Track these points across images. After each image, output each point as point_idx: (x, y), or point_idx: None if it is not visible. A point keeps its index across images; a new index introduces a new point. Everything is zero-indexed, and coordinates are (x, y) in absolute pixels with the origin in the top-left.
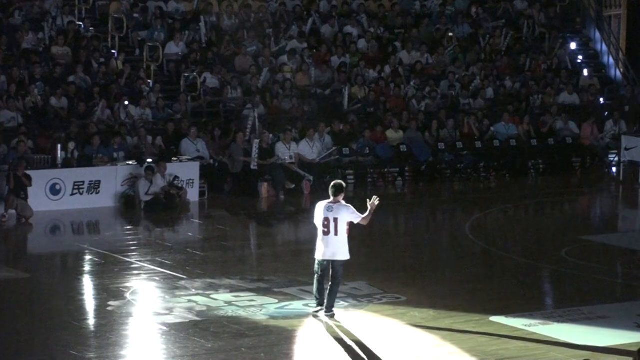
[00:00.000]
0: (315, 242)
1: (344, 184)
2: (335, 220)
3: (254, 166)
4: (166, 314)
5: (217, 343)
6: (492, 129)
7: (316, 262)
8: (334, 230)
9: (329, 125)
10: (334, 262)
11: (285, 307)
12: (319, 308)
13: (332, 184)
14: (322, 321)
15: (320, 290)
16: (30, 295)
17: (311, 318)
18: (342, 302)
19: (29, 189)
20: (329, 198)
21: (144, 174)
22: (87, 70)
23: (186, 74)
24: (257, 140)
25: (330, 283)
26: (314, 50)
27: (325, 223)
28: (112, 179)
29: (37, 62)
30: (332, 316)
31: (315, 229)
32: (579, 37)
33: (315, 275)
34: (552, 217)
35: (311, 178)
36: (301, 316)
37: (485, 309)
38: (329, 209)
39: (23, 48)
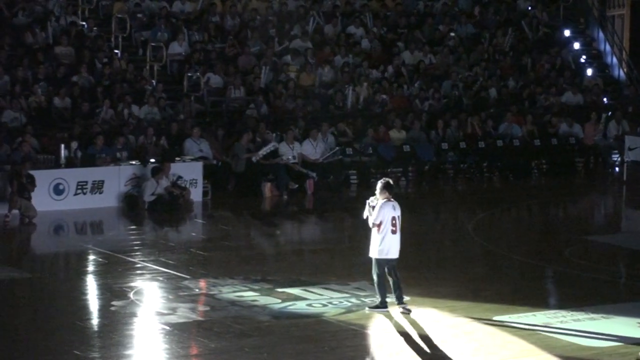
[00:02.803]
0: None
1: None
2: (399, 218)
3: (255, 159)
4: (169, 314)
5: (220, 343)
6: (499, 130)
7: (383, 260)
8: (399, 228)
9: (332, 125)
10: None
11: (289, 307)
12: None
13: (388, 182)
14: (329, 321)
15: (388, 288)
16: (34, 295)
17: (314, 318)
18: (345, 302)
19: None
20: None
21: (150, 176)
22: (90, 70)
23: (189, 74)
24: (274, 144)
25: (395, 279)
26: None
27: (394, 222)
28: (115, 178)
29: (40, 61)
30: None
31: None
32: (583, 37)
33: (379, 276)
34: (556, 217)
35: (314, 175)
36: (304, 316)
37: (489, 309)
38: (394, 207)
39: (26, 48)
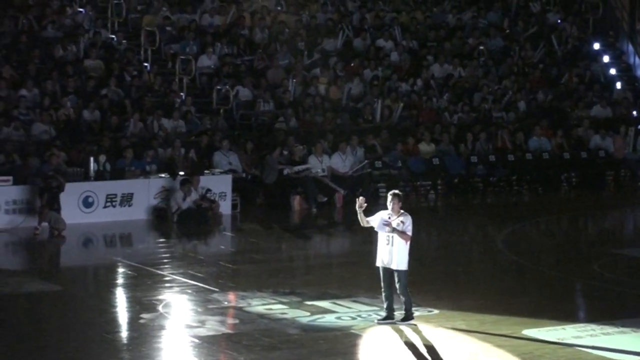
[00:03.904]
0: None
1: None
2: None
3: (286, 172)
4: (198, 327)
5: (249, 356)
6: (529, 145)
7: (408, 272)
8: None
9: (361, 138)
10: None
11: (318, 320)
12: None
13: (400, 194)
14: (358, 334)
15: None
16: (63, 308)
17: (343, 331)
18: (374, 315)
19: (62, 202)
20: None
21: (179, 188)
22: (119, 83)
23: (218, 87)
24: (310, 166)
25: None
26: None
27: None
28: (144, 191)
29: (70, 75)
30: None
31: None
32: (612, 50)
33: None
34: (585, 230)
35: (342, 190)
36: (333, 329)
37: (518, 322)
38: None
39: (56, 61)
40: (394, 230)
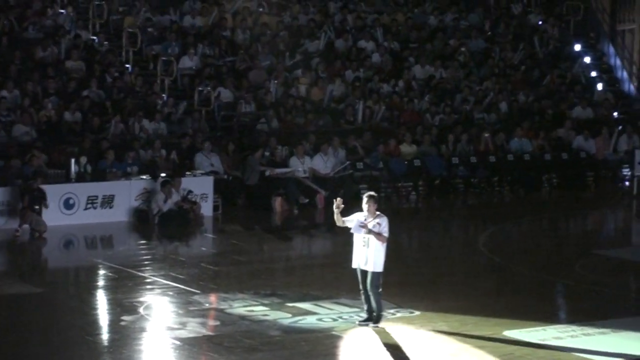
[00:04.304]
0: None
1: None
2: None
3: (268, 173)
4: (179, 329)
5: (230, 358)
6: (511, 146)
7: (382, 274)
8: None
9: (343, 140)
10: None
11: (299, 321)
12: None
13: (375, 195)
14: (340, 335)
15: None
16: (44, 310)
17: (324, 333)
18: (355, 317)
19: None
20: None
21: (160, 189)
22: (100, 85)
23: (200, 89)
24: (293, 170)
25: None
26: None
27: None
28: (125, 193)
29: (51, 76)
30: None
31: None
32: (593, 52)
33: (380, 288)
34: (566, 231)
35: (323, 192)
36: (315, 331)
37: (499, 323)
38: None
39: (37, 62)
40: (370, 232)
